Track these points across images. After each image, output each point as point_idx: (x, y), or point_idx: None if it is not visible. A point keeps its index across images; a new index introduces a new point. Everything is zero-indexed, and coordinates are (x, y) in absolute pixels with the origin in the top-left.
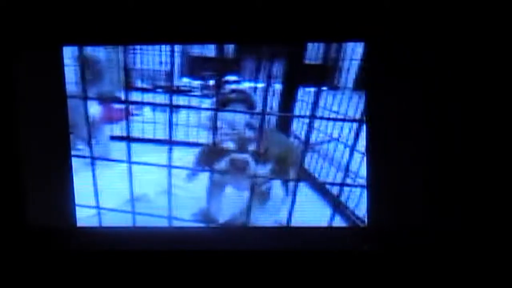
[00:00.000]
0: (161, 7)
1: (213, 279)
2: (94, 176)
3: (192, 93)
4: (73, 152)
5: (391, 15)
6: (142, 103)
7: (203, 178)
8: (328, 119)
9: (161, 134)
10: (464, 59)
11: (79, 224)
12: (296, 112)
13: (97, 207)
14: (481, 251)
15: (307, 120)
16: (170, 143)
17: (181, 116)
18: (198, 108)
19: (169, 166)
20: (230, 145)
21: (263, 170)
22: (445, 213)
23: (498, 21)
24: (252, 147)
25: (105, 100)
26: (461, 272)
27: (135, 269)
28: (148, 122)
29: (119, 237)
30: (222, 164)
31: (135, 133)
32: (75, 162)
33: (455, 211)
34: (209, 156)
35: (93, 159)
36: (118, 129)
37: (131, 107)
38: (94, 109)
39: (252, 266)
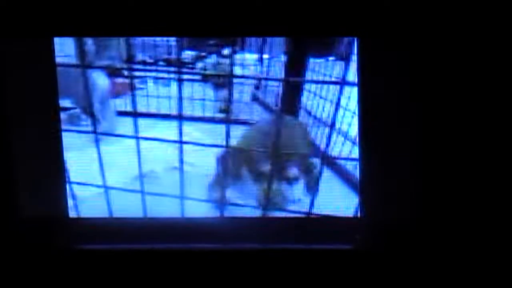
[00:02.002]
0: None
1: (210, 277)
2: (99, 152)
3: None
4: (77, 128)
5: (384, 12)
6: (148, 76)
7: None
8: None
9: (166, 109)
10: (457, 56)
11: (83, 206)
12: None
13: (104, 186)
14: (474, 245)
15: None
16: (179, 117)
17: (186, 90)
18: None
19: (180, 142)
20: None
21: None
22: (439, 205)
23: (491, 17)
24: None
25: (109, 72)
26: (455, 268)
27: (129, 261)
28: (152, 96)
29: (113, 229)
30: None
31: (140, 108)
32: (79, 138)
33: (449, 203)
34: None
35: (99, 134)
36: (122, 104)
37: (134, 81)
38: (100, 81)
39: (246, 261)
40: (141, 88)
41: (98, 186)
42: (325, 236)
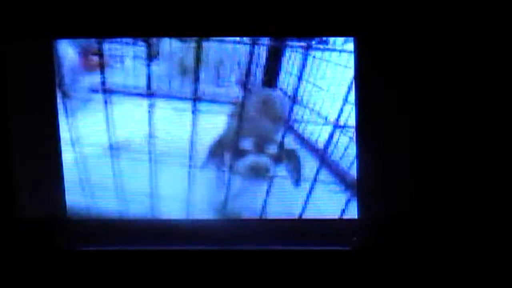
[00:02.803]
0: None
1: (209, 278)
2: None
3: None
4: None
5: (382, 11)
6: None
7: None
8: None
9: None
10: (456, 55)
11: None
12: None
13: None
14: (473, 245)
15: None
16: (149, 95)
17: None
18: None
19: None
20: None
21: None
22: (437, 205)
23: (489, 17)
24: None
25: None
26: (453, 267)
27: (126, 262)
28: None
29: (109, 228)
30: (241, 168)
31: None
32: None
33: (447, 204)
34: (223, 148)
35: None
36: (96, 79)
37: (108, 57)
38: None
39: (243, 261)
40: (113, 65)
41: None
42: (323, 238)
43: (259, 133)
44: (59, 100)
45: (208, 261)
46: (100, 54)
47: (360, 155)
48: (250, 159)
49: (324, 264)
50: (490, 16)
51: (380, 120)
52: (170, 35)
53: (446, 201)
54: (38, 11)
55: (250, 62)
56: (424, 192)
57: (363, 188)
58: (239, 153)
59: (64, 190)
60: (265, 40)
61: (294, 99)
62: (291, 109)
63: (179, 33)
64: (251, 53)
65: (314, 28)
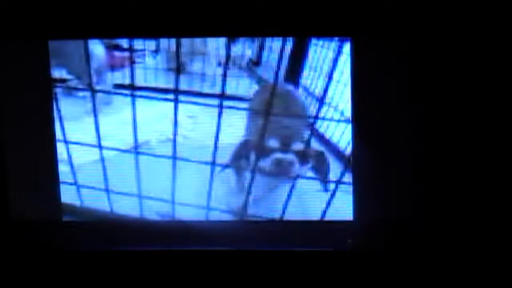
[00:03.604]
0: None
1: (206, 278)
2: (96, 122)
3: None
4: (75, 100)
5: (377, 12)
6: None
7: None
8: None
9: (163, 82)
10: (452, 55)
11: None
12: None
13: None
14: (470, 247)
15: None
16: (175, 92)
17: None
18: None
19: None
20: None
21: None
22: (433, 207)
23: (486, 18)
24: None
25: (107, 45)
26: (449, 269)
27: (123, 263)
28: (150, 69)
29: (104, 230)
30: (266, 165)
31: (139, 81)
32: (77, 108)
33: (443, 206)
34: (249, 150)
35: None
36: (120, 77)
37: (133, 54)
38: (98, 52)
39: (239, 262)
40: (139, 62)
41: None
42: (319, 240)
43: (284, 131)
44: (86, 97)
45: (205, 261)
46: (125, 50)
47: (355, 156)
48: (275, 156)
49: (320, 265)
50: (488, 16)
51: (376, 121)
52: (169, 35)
53: (443, 202)
54: (34, 11)
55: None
56: (421, 194)
57: (358, 189)
58: (264, 152)
59: (59, 193)
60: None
61: (317, 97)
62: (316, 108)
63: (178, 33)
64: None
65: (310, 28)
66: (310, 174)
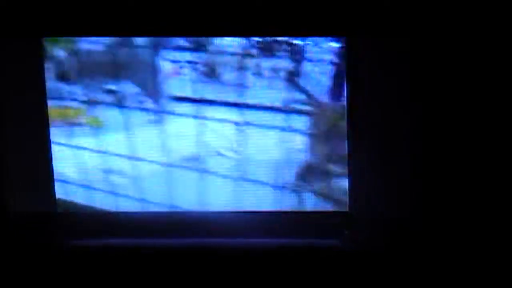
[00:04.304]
0: None
1: (199, 270)
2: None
3: None
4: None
5: (372, 12)
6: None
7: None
8: None
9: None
10: (448, 54)
11: None
12: None
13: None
14: (469, 247)
15: None
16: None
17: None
18: None
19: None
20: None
21: None
22: (432, 208)
23: (481, 17)
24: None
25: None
26: (449, 269)
27: (119, 256)
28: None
29: (100, 222)
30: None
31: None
32: (138, 117)
33: (442, 207)
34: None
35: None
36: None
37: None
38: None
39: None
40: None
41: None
42: (314, 231)
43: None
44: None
45: (199, 254)
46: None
47: (351, 150)
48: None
49: (319, 265)
50: (486, 15)
51: (373, 121)
52: (168, 35)
53: (443, 202)
54: (28, 10)
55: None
56: (421, 194)
57: (354, 181)
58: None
59: (54, 185)
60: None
61: None
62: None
63: (173, 33)
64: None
65: (303, 29)
66: None
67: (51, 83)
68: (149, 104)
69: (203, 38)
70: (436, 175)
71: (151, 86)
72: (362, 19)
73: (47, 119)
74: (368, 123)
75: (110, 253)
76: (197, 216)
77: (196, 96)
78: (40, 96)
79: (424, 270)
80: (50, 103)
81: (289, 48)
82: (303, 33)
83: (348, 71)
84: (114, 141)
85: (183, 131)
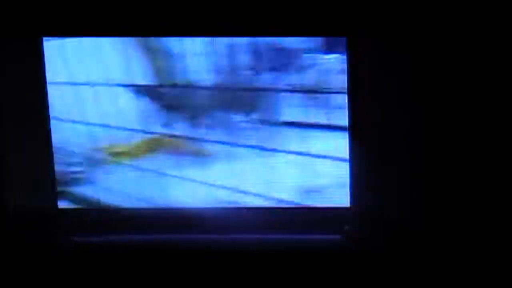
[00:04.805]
0: None
1: (197, 267)
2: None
3: None
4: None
5: (373, 11)
6: None
7: None
8: None
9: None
10: (448, 54)
11: None
12: None
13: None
14: (469, 247)
15: None
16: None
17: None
18: None
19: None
20: None
21: None
22: (432, 208)
23: (481, 17)
24: None
25: None
26: (449, 269)
27: (118, 253)
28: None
29: (102, 219)
30: None
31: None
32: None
33: (442, 207)
34: None
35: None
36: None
37: None
38: None
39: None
40: None
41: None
42: (315, 226)
43: None
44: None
45: (197, 251)
46: None
47: (352, 147)
48: None
49: (319, 265)
50: (487, 15)
51: (374, 121)
52: (168, 35)
53: (443, 202)
54: (27, 9)
55: None
56: (421, 194)
57: (355, 176)
58: None
59: (55, 181)
60: None
61: None
62: None
63: (170, 33)
64: None
65: (303, 29)
66: None
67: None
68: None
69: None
70: (440, 178)
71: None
72: (362, 19)
73: (48, 117)
74: (369, 121)
75: (113, 250)
76: (198, 212)
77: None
78: (40, 95)
79: (424, 270)
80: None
81: None
82: (303, 33)
83: (349, 72)
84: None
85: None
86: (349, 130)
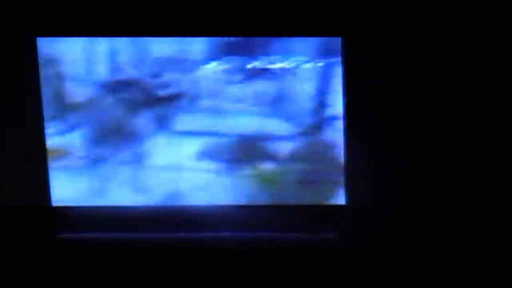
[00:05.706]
0: None
1: (195, 265)
2: None
3: None
4: None
5: (368, 11)
6: None
7: None
8: None
9: None
10: (446, 54)
11: None
12: None
13: None
14: (469, 246)
15: None
16: None
17: None
18: None
19: None
20: None
21: None
22: (432, 208)
23: (481, 17)
24: None
25: None
26: (449, 269)
27: (114, 250)
28: None
29: (97, 218)
30: None
31: None
32: None
33: (442, 207)
34: None
35: None
36: None
37: None
38: None
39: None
40: None
41: None
42: (309, 224)
43: None
44: None
45: (195, 248)
46: None
47: (348, 144)
48: None
49: (319, 265)
50: (486, 15)
51: (370, 121)
52: (168, 35)
53: (443, 202)
54: (22, 9)
55: None
56: (421, 193)
57: (350, 173)
58: None
59: (48, 178)
60: None
61: None
62: None
63: (166, 32)
64: None
65: (300, 28)
66: None
67: None
68: None
69: None
70: (440, 178)
71: None
72: (360, 18)
73: (41, 114)
74: (366, 119)
75: (106, 248)
76: (192, 210)
77: None
78: (34, 93)
79: (424, 270)
80: None
81: None
82: (300, 33)
83: (345, 72)
84: None
85: None
86: (344, 127)
